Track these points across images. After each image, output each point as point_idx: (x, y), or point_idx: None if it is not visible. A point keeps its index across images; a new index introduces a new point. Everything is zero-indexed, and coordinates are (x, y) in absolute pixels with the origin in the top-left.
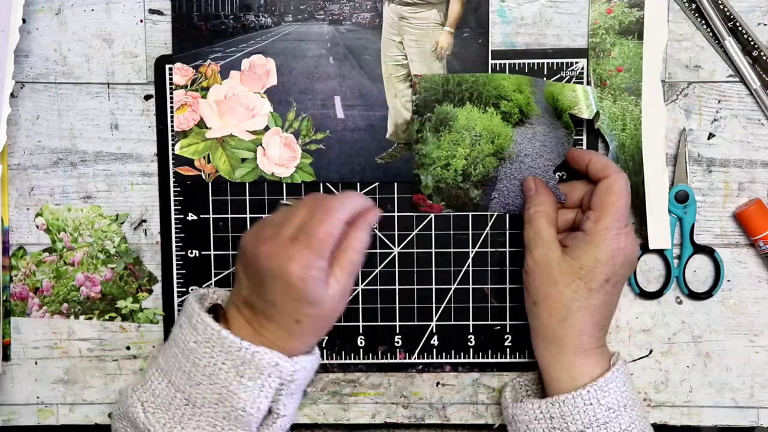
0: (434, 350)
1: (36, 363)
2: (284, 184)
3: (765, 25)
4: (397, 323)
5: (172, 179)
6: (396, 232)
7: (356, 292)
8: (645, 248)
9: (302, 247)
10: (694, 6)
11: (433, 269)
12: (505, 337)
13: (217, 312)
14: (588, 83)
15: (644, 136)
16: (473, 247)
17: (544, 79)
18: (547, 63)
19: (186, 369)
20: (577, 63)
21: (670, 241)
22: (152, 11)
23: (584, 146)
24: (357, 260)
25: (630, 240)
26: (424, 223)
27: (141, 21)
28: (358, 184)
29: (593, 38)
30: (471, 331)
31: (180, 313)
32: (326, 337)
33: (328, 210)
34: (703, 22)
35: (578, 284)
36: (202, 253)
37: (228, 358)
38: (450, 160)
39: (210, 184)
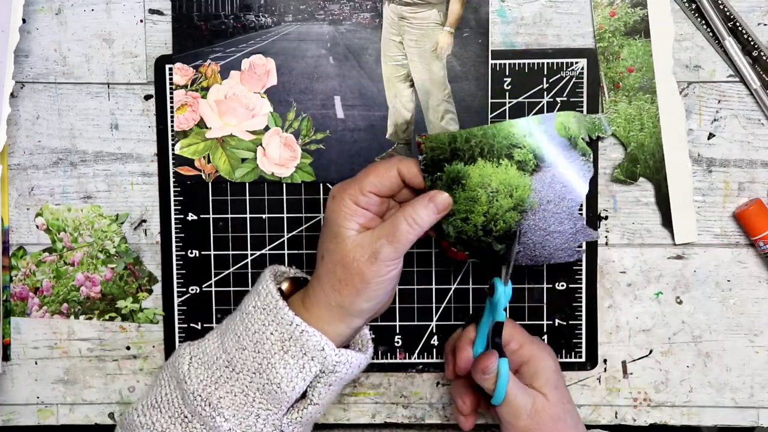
0: (434, 350)
1: (36, 363)
2: (284, 184)
3: (765, 25)
4: (397, 323)
5: (172, 179)
6: None
7: None
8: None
9: (351, 178)
10: (694, 6)
11: (433, 269)
12: None
13: (302, 284)
14: (600, 86)
15: (664, 132)
16: None
17: (554, 113)
18: (547, 63)
19: (238, 332)
20: (577, 63)
21: (695, 234)
22: (152, 11)
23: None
24: (403, 230)
25: None
26: None
27: (141, 21)
28: None
29: (600, 42)
30: None
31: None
32: None
33: (389, 159)
34: (703, 22)
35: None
36: (202, 253)
37: (277, 330)
38: (468, 215)
39: (210, 184)
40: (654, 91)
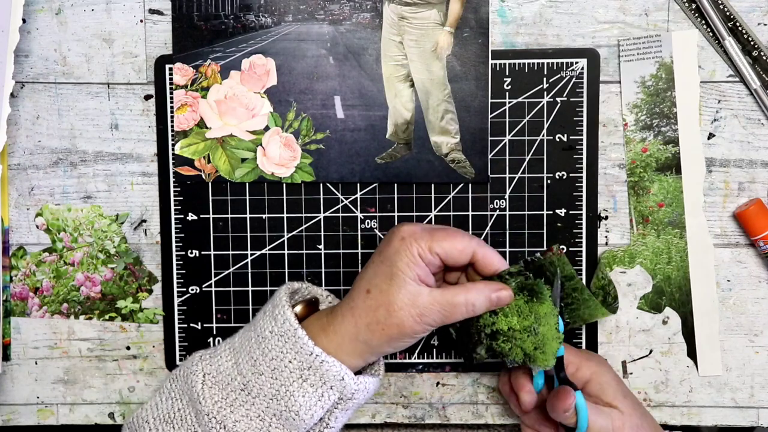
0: (434, 350)
1: (36, 363)
2: (284, 184)
3: (765, 25)
4: None
5: (172, 179)
6: None
7: None
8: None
9: (424, 227)
10: (694, 6)
11: None
12: None
13: (314, 306)
14: (630, 222)
15: (692, 268)
16: None
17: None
18: (547, 63)
19: (254, 355)
20: (577, 63)
21: (720, 369)
22: (152, 11)
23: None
24: (458, 312)
25: None
26: (423, 223)
27: (141, 21)
28: (358, 184)
29: (631, 177)
30: None
31: (269, 300)
32: None
33: (470, 236)
34: (703, 22)
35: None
36: (202, 253)
37: (296, 358)
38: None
39: (210, 184)
40: (683, 226)
